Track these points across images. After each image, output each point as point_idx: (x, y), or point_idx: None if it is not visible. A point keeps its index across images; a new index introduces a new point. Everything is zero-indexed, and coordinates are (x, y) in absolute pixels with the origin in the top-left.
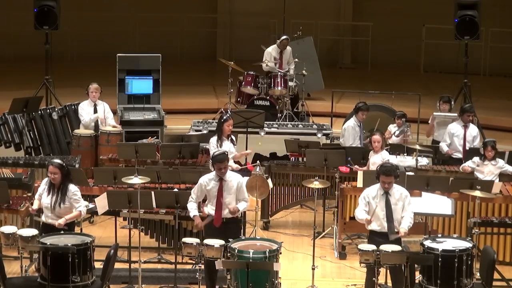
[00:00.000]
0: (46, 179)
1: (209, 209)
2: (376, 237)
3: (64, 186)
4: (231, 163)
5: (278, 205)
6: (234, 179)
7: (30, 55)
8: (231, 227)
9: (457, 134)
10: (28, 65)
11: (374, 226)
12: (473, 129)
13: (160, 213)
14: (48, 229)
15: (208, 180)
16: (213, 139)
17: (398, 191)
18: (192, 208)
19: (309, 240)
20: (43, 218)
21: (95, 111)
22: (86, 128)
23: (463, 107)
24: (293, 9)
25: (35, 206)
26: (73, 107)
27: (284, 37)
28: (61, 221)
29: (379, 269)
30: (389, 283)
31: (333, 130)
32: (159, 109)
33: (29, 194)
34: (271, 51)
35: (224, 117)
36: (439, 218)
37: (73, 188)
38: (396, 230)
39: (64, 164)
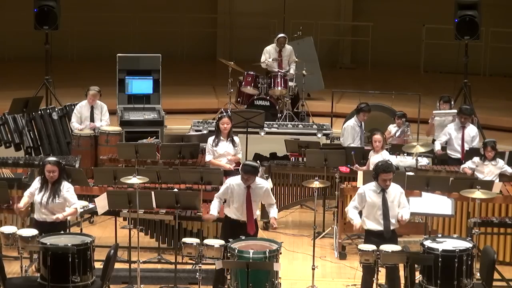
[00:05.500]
0: (38, 178)
1: (231, 212)
2: (372, 237)
3: (58, 182)
4: (222, 163)
5: (278, 205)
6: (263, 186)
7: (30, 55)
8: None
9: (455, 135)
10: (28, 65)
11: (371, 226)
12: (471, 129)
13: (160, 213)
14: (40, 226)
15: (235, 185)
16: (210, 139)
17: (393, 188)
18: (213, 208)
19: (309, 240)
20: (35, 216)
21: (92, 113)
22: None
23: (461, 108)
24: (293, 9)
25: (21, 204)
26: (73, 107)
27: (280, 35)
28: (60, 215)
29: (379, 269)
30: None
31: (333, 130)
32: (159, 109)
33: None
34: (270, 49)
35: (219, 116)
36: (439, 218)
37: (66, 185)
38: (392, 226)
39: (59, 160)
